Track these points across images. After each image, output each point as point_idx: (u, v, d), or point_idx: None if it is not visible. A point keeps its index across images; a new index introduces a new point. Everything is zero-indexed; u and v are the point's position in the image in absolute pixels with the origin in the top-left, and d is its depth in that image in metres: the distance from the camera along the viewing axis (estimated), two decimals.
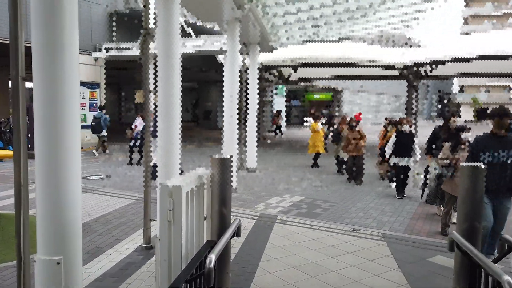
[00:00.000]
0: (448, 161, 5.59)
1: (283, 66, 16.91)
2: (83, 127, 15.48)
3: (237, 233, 2.85)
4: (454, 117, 6.25)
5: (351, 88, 37.80)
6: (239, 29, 8.63)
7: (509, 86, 55.15)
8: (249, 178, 10.18)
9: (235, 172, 8.51)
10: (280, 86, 28.09)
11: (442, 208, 6.38)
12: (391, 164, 8.37)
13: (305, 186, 9.28)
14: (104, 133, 13.98)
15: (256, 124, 11.56)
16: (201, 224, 2.99)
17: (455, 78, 60.86)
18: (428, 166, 7.01)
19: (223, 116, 8.35)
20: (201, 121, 30.87)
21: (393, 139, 8.17)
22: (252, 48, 11.33)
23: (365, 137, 9.67)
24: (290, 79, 21.61)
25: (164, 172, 4.75)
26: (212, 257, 2.13)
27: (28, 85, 2.89)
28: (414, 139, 8.10)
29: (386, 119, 10.75)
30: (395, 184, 8.32)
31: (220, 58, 14.77)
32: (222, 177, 2.85)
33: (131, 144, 12.03)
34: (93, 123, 13.76)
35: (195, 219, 2.85)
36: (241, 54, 11.46)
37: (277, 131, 25.00)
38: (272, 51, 13.08)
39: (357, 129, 9.67)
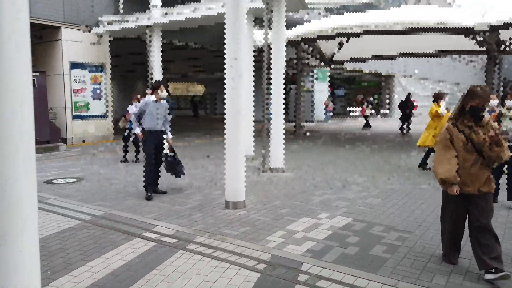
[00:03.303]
0: None
1: (328, 38, 13.52)
2: (85, 117, 13.16)
3: None
4: None
5: (403, 74, 33.38)
6: None
7: None
8: (271, 183, 7.13)
9: (243, 175, 5.50)
10: (322, 70, 24.57)
11: None
12: None
13: (354, 197, 6.08)
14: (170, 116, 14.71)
15: (283, 112, 8.41)
16: None
17: None
18: None
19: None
20: None
21: None
22: (276, 4, 8.17)
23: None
24: (334, 58, 18.17)
25: None
26: None
27: None
28: None
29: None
30: None
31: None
32: None
33: (125, 135, 9.40)
34: None
35: None
36: (261, 21, 8.43)
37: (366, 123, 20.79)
38: (304, 8, 9.88)
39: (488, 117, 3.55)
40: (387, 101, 32.89)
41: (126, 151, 9.38)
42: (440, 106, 7.89)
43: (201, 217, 5.01)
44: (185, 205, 5.59)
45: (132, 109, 9.02)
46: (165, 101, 6.22)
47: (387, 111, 32.28)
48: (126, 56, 18.64)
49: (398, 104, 17.17)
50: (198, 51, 17.38)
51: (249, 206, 5.52)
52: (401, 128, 16.86)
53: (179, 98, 36.61)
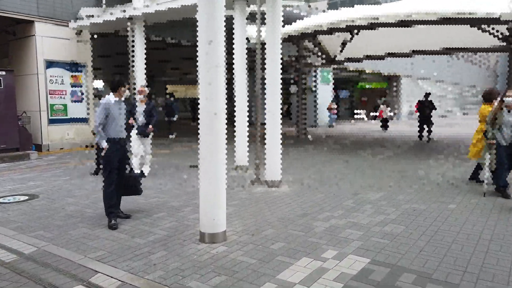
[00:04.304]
0: None
1: (334, 31, 12.14)
2: (63, 121, 11.91)
3: None
4: None
5: (411, 75, 32.05)
6: None
7: None
8: (264, 201, 5.79)
9: (224, 199, 4.19)
10: (325, 71, 23.24)
11: None
12: None
13: (369, 222, 4.74)
14: (175, 118, 16.03)
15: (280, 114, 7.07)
16: None
17: None
18: None
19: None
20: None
21: None
22: None
23: None
24: (338, 58, 16.84)
25: None
26: None
27: None
28: None
29: None
30: None
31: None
32: None
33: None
34: (166, 110, 16.06)
35: None
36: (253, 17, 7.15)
37: (384, 125, 19.30)
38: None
39: None
40: (394, 102, 31.48)
41: (98, 162, 8.09)
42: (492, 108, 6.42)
43: (164, 258, 3.69)
44: (148, 237, 4.27)
45: None
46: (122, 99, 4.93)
47: (393, 114, 30.89)
48: (122, 56, 17.39)
49: (417, 105, 14.80)
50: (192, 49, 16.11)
51: (232, 238, 4.19)
52: (420, 134, 14.62)
53: (178, 100, 35.35)
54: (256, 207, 5.48)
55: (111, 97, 4.80)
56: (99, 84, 19.43)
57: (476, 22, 10.35)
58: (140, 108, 7.04)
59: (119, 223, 4.71)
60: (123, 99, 4.94)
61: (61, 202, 5.82)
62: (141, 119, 7.03)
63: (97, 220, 4.88)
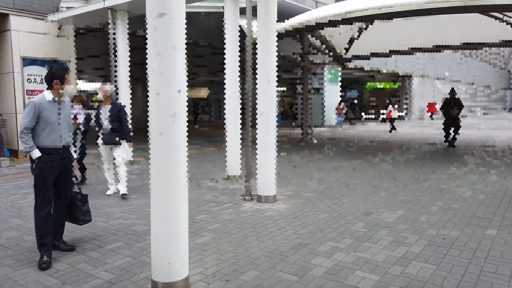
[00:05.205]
0: None
1: (341, 23, 10.81)
2: None
3: None
4: None
5: (422, 74, 30.69)
6: None
7: None
8: (251, 224, 4.62)
9: (185, 236, 3.06)
10: (333, 69, 22.02)
11: None
12: None
13: (385, 258, 3.56)
14: None
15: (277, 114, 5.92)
16: None
17: None
18: None
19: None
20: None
21: None
22: None
23: None
24: (346, 55, 15.63)
25: None
26: None
27: None
28: None
29: None
30: None
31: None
32: None
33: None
34: None
35: None
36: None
37: (392, 126, 18.52)
38: None
39: None
40: (405, 103, 30.17)
41: (83, 167, 7.04)
42: None
43: None
44: (83, 283, 3.13)
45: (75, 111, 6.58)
46: (67, 98, 3.85)
47: (404, 114, 29.53)
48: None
49: (441, 105, 12.61)
50: (192, 49, 14.96)
51: (197, 285, 3.04)
52: (447, 137, 12.48)
53: None
54: (241, 233, 4.32)
55: (46, 95, 3.71)
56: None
57: (500, 9, 9.10)
58: (104, 110, 5.89)
59: (56, 258, 3.61)
60: (66, 97, 3.86)
61: (2, 225, 4.73)
62: (106, 124, 5.87)
63: (32, 252, 3.78)
